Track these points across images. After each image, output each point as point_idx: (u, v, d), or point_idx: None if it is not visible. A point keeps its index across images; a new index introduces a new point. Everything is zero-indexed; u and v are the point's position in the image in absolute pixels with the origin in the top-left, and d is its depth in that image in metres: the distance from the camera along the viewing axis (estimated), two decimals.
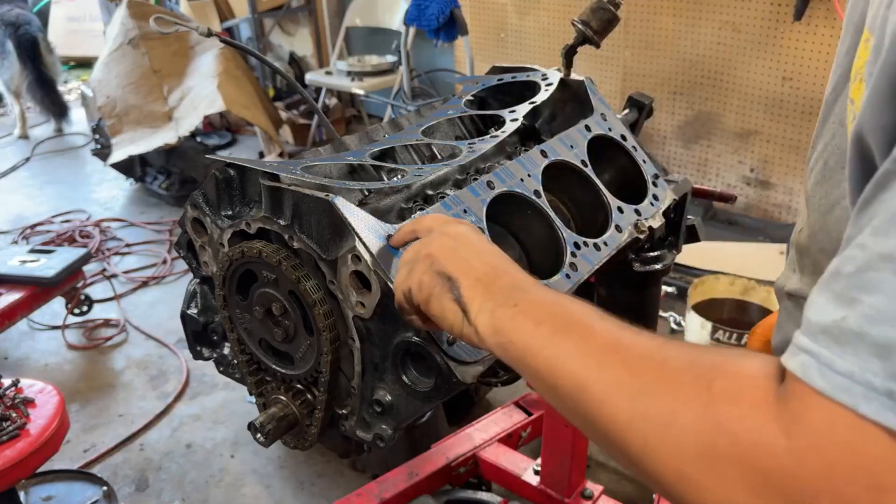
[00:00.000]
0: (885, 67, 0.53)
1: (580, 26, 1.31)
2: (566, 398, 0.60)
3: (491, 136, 1.20)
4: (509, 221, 1.14)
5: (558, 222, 1.11)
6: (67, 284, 3.14)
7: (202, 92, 4.28)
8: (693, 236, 1.46)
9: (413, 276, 0.76)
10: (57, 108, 5.76)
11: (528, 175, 1.14)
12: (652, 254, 1.31)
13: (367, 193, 1.08)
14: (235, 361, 1.15)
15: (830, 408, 0.46)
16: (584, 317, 0.63)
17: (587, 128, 1.30)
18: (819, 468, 0.45)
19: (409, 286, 0.76)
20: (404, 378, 0.91)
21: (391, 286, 0.86)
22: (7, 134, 6.09)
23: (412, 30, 4.27)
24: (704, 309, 2.93)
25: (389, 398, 0.95)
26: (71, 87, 7.12)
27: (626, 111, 1.46)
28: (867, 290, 0.46)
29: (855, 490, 0.44)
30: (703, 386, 0.51)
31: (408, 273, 0.77)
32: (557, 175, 1.21)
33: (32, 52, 5.48)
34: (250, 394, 1.12)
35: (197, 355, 1.24)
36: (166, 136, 4.19)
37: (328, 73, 4.99)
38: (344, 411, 1.02)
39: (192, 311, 1.20)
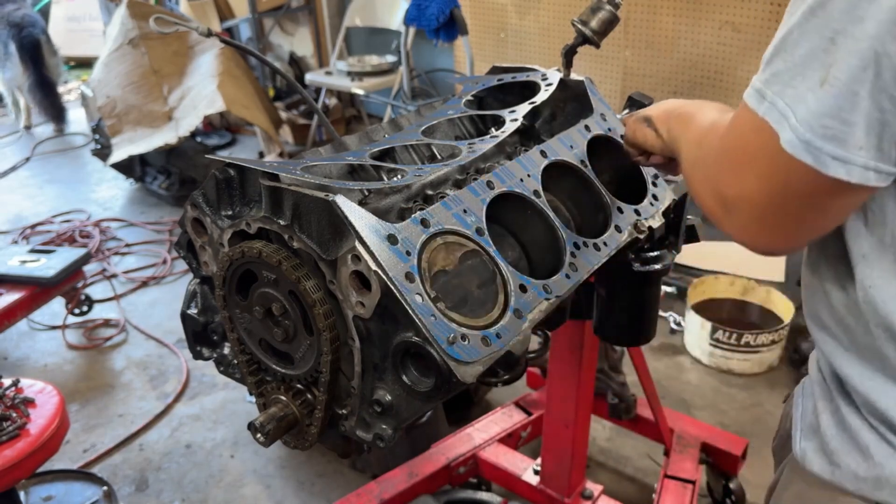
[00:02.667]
0: None
1: (580, 26, 1.31)
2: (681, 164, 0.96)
3: (491, 137, 1.21)
4: (509, 221, 1.14)
5: (558, 222, 1.11)
6: (67, 284, 3.13)
7: (202, 92, 4.28)
8: (693, 236, 1.46)
9: (627, 128, 1.17)
10: (54, 111, 5.75)
11: (528, 175, 1.14)
12: (652, 254, 1.31)
13: (366, 193, 1.08)
14: (235, 361, 1.15)
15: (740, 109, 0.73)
16: (696, 113, 0.96)
17: (587, 128, 1.30)
18: (724, 145, 0.76)
19: (626, 133, 1.18)
20: (404, 378, 0.91)
21: (391, 286, 0.86)
22: (7, 134, 6.10)
23: (412, 30, 4.27)
24: (704, 309, 2.93)
25: (389, 398, 0.95)
26: (71, 87, 7.13)
27: (626, 111, 1.46)
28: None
29: (736, 156, 0.73)
30: (719, 135, 0.80)
31: (625, 132, 1.20)
32: (557, 175, 1.22)
33: (34, 54, 5.48)
34: (250, 394, 1.12)
35: (197, 355, 1.24)
36: (166, 136, 4.19)
37: (328, 73, 4.99)
38: (344, 411, 1.02)
39: (192, 311, 1.20)
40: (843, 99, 0.64)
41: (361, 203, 1.06)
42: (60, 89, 5.89)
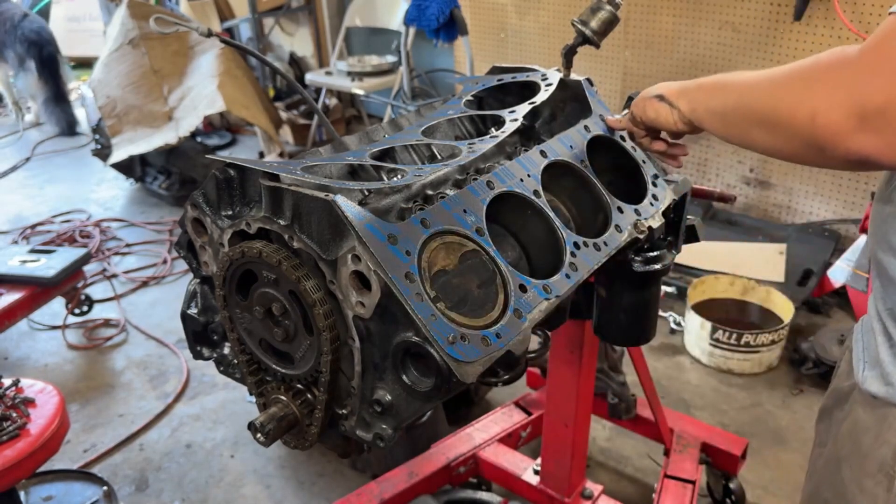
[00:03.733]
0: None
1: (580, 26, 1.31)
2: (732, 114, 0.97)
3: (491, 137, 1.21)
4: (509, 221, 1.14)
5: (558, 222, 1.11)
6: (67, 284, 3.14)
7: (202, 92, 4.28)
8: (693, 236, 1.46)
9: (635, 107, 1.19)
10: (66, 123, 5.96)
11: (528, 175, 1.14)
12: (652, 254, 1.31)
13: (367, 193, 1.08)
14: (235, 361, 1.15)
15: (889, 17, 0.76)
16: (725, 77, 1.01)
17: (587, 128, 1.30)
18: (871, 56, 0.76)
19: (633, 112, 1.21)
20: (404, 378, 0.92)
21: (391, 286, 0.86)
22: (7, 134, 6.10)
23: (412, 30, 4.27)
24: (704, 309, 2.93)
25: (389, 398, 0.95)
26: (71, 88, 7.13)
27: (626, 111, 1.46)
28: None
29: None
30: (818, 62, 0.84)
31: (632, 110, 1.21)
32: (557, 175, 1.22)
33: (53, 70, 5.69)
34: (250, 394, 1.12)
35: (197, 355, 1.24)
36: (166, 136, 4.19)
37: (328, 73, 4.99)
38: (344, 411, 1.02)
39: (193, 311, 1.20)
40: None
41: (361, 203, 1.06)
42: (70, 99, 6.03)
